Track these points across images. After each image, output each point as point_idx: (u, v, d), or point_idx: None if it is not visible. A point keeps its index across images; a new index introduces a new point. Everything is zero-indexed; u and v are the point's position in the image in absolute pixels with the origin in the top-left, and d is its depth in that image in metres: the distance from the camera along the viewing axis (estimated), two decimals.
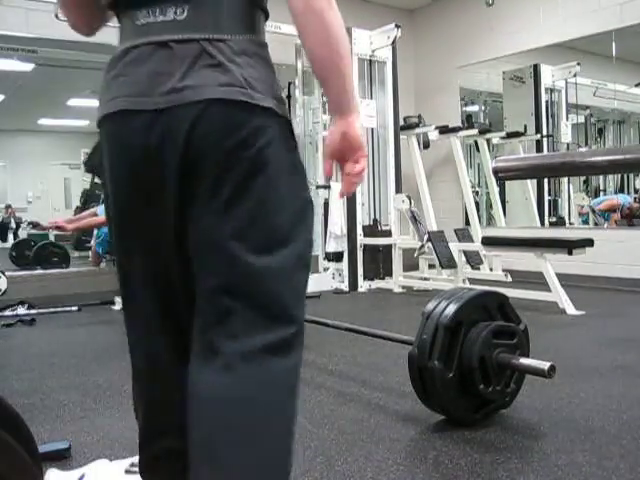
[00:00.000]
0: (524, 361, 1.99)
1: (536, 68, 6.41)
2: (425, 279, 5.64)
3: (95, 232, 5.45)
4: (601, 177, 6.48)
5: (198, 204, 1.01)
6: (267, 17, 1.12)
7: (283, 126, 1.06)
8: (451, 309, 1.99)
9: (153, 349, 1.14)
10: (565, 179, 6.44)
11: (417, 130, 6.34)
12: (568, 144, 6.39)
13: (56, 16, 4.48)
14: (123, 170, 1.06)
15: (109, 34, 4.73)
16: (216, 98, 0.97)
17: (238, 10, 1.04)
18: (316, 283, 5.20)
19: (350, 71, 1.10)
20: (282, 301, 1.02)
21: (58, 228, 4.72)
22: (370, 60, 5.80)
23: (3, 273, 4.73)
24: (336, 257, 5.55)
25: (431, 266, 5.69)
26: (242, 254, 1.00)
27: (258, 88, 1.01)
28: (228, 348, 0.99)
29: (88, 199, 6.91)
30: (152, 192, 1.04)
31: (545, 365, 1.91)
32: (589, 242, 4.17)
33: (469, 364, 1.96)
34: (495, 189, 6.49)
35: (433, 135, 6.44)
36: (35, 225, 5.62)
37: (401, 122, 6.15)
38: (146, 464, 1.21)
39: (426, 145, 6.60)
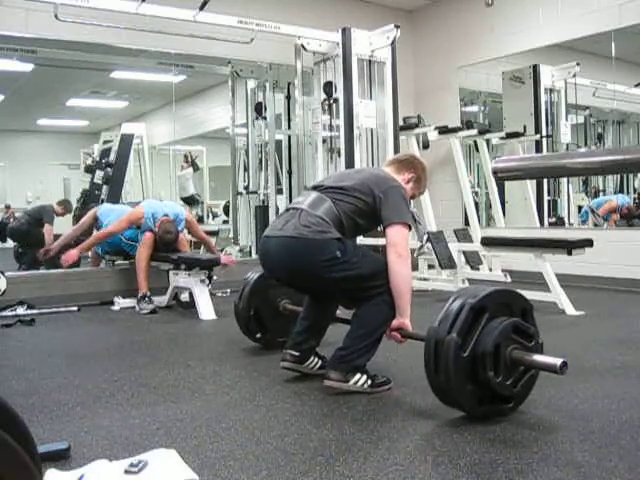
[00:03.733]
0: (536, 357, 2.03)
1: (535, 68, 6.41)
2: (424, 279, 5.63)
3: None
4: (600, 177, 6.48)
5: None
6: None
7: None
8: (480, 293, 2.07)
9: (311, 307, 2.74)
10: (564, 179, 6.44)
11: (416, 130, 6.34)
12: (567, 144, 6.38)
13: (56, 16, 4.47)
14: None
15: (106, 35, 4.75)
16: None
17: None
18: None
19: (405, 296, 2.43)
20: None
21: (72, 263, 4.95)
22: (370, 60, 5.79)
23: (3, 273, 4.73)
24: None
25: (430, 266, 5.69)
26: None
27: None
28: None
29: (87, 199, 6.90)
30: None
31: (557, 361, 1.94)
32: (588, 242, 4.17)
33: (484, 348, 1.99)
34: (494, 189, 6.49)
35: (432, 135, 6.44)
36: (46, 253, 5.32)
37: (400, 122, 6.14)
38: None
39: (425, 145, 6.60)
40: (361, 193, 2.51)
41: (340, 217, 2.48)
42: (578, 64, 6.14)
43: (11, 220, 7.08)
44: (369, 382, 2.44)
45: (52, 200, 7.74)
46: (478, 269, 5.65)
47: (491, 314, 2.07)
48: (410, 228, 2.54)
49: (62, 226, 7.27)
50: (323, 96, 5.68)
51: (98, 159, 7.23)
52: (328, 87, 5.66)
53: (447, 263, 4.99)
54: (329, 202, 2.49)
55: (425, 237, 5.10)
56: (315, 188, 2.62)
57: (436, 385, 2.09)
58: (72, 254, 4.81)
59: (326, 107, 5.67)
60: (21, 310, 4.52)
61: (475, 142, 6.68)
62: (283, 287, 3.07)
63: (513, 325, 2.05)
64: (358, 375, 2.42)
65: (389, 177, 2.65)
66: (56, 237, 7.13)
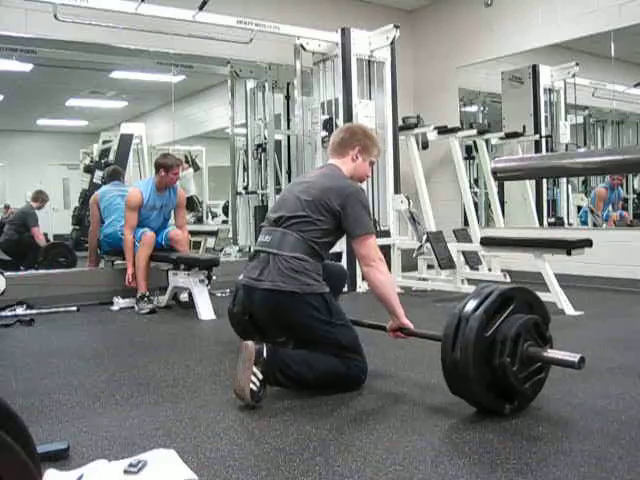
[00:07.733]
0: (554, 353, 2.09)
1: (535, 68, 6.41)
2: (424, 279, 5.64)
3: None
4: (600, 178, 6.49)
5: None
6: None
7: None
8: (509, 285, 2.22)
9: None
10: (564, 180, 6.44)
11: (416, 130, 6.34)
12: (567, 144, 6.38)
13: (55, 16, 4.47)
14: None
15: (106, 35, 4.75)
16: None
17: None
18: None
19: (393, 301, 2.51)
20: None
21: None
22: (369, 60, 5.80)
23: (2, 273, 4.72)
24: (335, 257, 5.55)
25: (430, 267, 5.69)
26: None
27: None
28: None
29: (87, 199, 6.90)
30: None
31: (575, 357, 2.01)
32: (588, 242, 4.17)
33: (505, 333, 2.04)
34: (494, 189, 6.49)
35: (432, 135, 6.43)
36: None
37: (400, 122, 6.15)
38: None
39: (425, 145, 6.60)
40: (320, 213, 2.50)
41: (310, 245, 2.49)
42: (577, 64, 6.14)
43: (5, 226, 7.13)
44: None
45: (51, 200, 7.76)
46: (477, 269, 5.65)
47: (516, 307, 2.12)
48: (373, 233, 2.54)
49: (64, 224, 7.30)
50: (324, 133, 5.68)
51: (97, 159, 7.23)
52: (328, 124, 5.65)
53: (446, 263, 4.99)
54: (294, 236, 2.48)
55: (424, 237, 5.10)
56: (276, 221, 2.57)
57: (449, 362, 2.09)
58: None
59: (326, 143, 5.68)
60: (20, 310, 4.52)
61: (474, 142, 6.68)
62: None
63: (534, 322, 2.11)
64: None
65: (341, 182, 2.58)
66: (56, 237, 7.16)
